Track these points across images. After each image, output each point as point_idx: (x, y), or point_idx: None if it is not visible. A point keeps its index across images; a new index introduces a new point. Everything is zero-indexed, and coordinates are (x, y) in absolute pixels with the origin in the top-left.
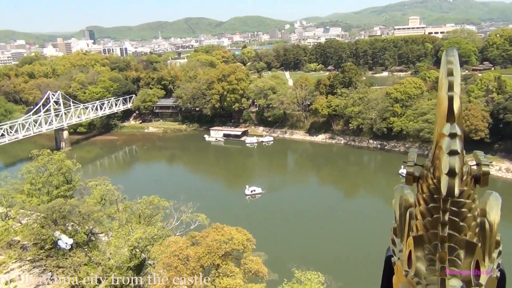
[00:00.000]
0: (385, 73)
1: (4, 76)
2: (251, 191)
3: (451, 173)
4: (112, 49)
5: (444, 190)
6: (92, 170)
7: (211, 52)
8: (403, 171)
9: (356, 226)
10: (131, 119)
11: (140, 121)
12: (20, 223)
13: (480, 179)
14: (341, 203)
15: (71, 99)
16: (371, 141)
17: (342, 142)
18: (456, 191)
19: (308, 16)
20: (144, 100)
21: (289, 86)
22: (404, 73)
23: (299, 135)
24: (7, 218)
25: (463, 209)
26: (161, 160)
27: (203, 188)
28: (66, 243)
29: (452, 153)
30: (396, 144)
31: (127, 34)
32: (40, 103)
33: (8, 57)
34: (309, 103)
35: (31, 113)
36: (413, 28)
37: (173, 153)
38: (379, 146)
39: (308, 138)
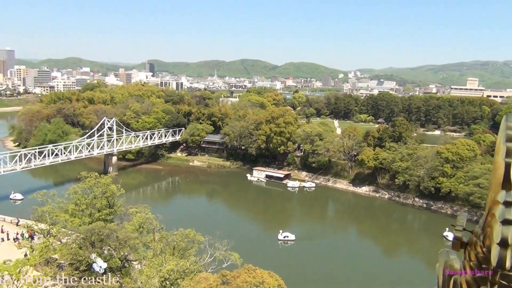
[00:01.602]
0: (437, 132)
1: (66, 100)
2: (284, 237)
3: (504, 243)
4: (169, 83)
5: (494, 261)
6: (135, 197)
7: (263, 93)
8: (448, 234)
9: (392, 287)
10: (177, 151)
11: (186, 154)
12: (60, 241)
13: None
14: (378, 261)
15: (124, 127)
16: (416, 199)
17: (386, 196)
18: (508, 264)
19: (363, 68)
20: (192, 134)
21: (337, 134)
22: (458, 133)
23: (342, 185)
24: (49, 235)
25: None
26: (201, 194)
27: (239, 226)
28: (101, 266)
29: (506, 222)
30: (443, 206)
31: (184, 69)
32: (96, 128)
33: (73, 82)
34: (355, 153)
35: (85, 136)
36: (470, 89)
37: (214, 189)
38: (424, 205)
39: (351, 188)
